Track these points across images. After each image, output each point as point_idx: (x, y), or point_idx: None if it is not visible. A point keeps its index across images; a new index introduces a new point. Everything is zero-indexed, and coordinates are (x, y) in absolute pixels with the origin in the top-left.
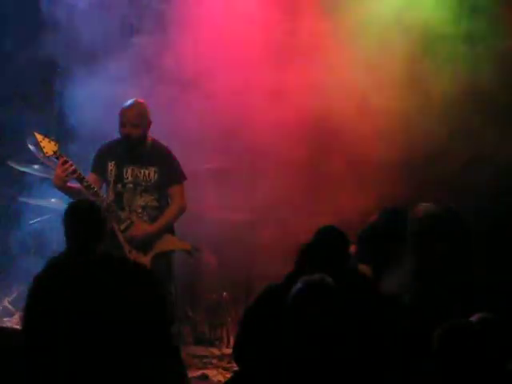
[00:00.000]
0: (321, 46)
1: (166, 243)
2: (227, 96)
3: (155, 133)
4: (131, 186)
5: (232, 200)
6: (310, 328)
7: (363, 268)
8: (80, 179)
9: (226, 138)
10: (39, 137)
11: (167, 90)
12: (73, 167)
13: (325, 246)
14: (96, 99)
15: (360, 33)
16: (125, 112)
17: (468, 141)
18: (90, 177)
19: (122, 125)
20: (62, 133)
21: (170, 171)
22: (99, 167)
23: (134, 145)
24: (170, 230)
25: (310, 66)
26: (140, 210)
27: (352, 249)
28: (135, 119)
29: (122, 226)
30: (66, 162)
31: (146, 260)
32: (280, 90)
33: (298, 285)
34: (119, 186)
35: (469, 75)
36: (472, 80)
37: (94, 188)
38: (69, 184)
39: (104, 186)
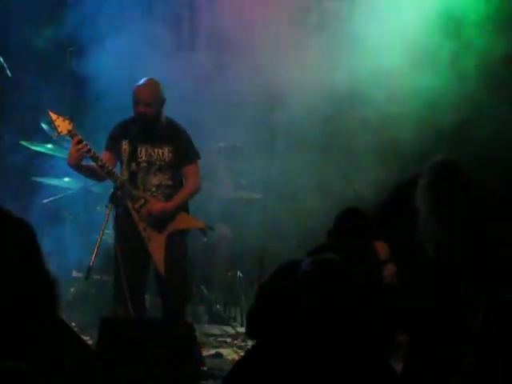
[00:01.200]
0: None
1: (181, 221)
2: (245, 72)
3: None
4: (145, 165)
5: (245, 178)
6: (318, 306)
7: (380, 245)
8: (94, 158)
9: (239, 115)
10: (53, 116)
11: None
12: (87, 146)
13: (345, 232)
14: (113, 73)
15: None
16: (138, 91)
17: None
18: (104, 155)
19: (136, 104)
20: (79, 106)
21: (185, 150)
22: (113, 146)
23: (149, 124)
24: (184, 208)
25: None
26: (154, 189)
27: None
28: (149, 98)
29: (137, 205)
30: (80, 141)
31: (161, 238)
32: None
33: (306, 263)
34: (133, 164)
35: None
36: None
37: (108, 167)
38: (83, 163)
39: (118, 165)
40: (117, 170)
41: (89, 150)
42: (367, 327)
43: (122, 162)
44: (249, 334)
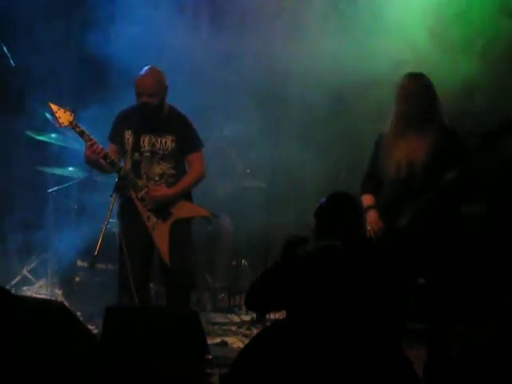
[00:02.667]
0: None
1: (185, 210)
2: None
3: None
4: (148, 154)
5: (247, 166)
6: (321, 290)
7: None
8: (105, 157)
9: (244, 105)
10: (54, 107)
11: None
12: (102, 150)
13: (333, 213)
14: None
15: None
16: (140, 81)
17: None
18: (110, 147)
19: (139, 94)
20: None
21: (188, 139)
22: (117, 136)
23: (152, 113)
24: (187, 196)
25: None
26: (157, 178)
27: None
28: (152, 88)
29: (140, 194)
30: (82, 132)
31: (165, 227)
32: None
33: (308, 250)
34: (136, 154)
35: None
36: None
37: (110, 157)
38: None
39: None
40: (120, 161)
41: (105, 155)
42: (368, 311)
43: (125, 152)
44: (246, 303)
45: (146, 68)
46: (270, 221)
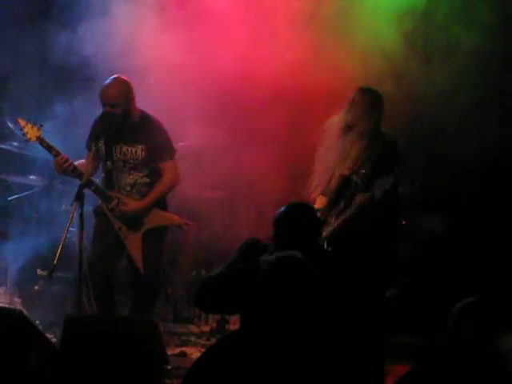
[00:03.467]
0: None
1: (157, 218)
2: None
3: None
4: (120, 163)
5: (208, 177)
6: (280, 302)
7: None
8: (73, 171)
9: (203, 115)
10: (22, 122)
11: None
12: (68, 164)
13: (290, 223)
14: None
15: None
16: (104, 91)
17: None
18: (87, 155)
19: (102, 104)
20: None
21: (159, 148)
22: (92, 144)
23: (115, 123)
24: (161, 204)
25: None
26: (129, 188)
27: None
28: (113, 99)
29: (110, 205)
30: (49, 147)
31: (137, 236)
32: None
33: (269, 262)
34: (109, 163)
35: None
36: None
37: (70, 165)
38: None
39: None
40: (83, 169)
41: (73, 169)
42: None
43: (100, 161)
44: (196, 300)
45: (111, 78)
46: (230, 231)
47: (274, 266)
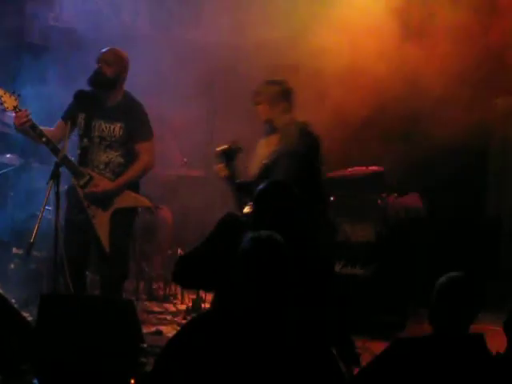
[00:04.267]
0: None
1: (127, 199)
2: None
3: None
4: (97, 140)
5: (187, 155)
6: (258, 283)
7: None
8: (32, 127)
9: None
10: (0, 91)
11: None
12: (27, 117)
13: (270, 200)
14: None
15: None
16: (103, 51)
17: None
18: (58, 123)
19: (96, 63)
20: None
21: (137, 127)
22: (69, 115)
23: (100, 84)
24: (134, 186)
25: None
26: (102, 166)
27: None
28: (110, 57)
29: (81, 182)
30: (19, 110)
31: (105, 215)
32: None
33: (246, 240)
34: (85, 140)
35: None
36: None
37: (48, 141)
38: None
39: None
40: (59, 143)
41: (28, 121)
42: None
43: (78, 137)
44: (175, 276)
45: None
46: (206, 210)
47: (252, 244)
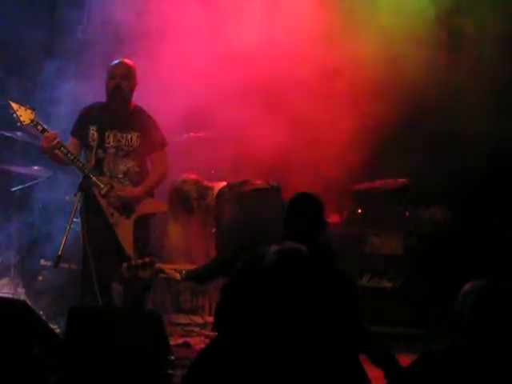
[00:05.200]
0: None
1: (148, 206)
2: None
3: None
4: (113, 150)
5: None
6: (283, 297)
7: None
8: (60, 147)
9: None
10: (15, 106)
11: None
12: (55, 139)
13: (299, 217)
14: None
15: None
16: (113, 67)
17: None
18: (70, 141)
19: (111, 77)
20: None
21: (152, 137)
22: (80, 131)
23: (122, 99)
24: (150, 193)
25: None
26: (121, 176)
27: None
28: (125, 71)
29: (103, 191)
30: (44, 130)
31: (128, 223)
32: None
33: (272, 254)
34: (100, 151)
35: None
36: None
37: (72, 156)
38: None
39: (82, 151)
40: (82, 158)
41: (61, 145)
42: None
43: (89, 148)
44: (216, 327)
45: (119, 59)
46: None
47: (278, 257)
